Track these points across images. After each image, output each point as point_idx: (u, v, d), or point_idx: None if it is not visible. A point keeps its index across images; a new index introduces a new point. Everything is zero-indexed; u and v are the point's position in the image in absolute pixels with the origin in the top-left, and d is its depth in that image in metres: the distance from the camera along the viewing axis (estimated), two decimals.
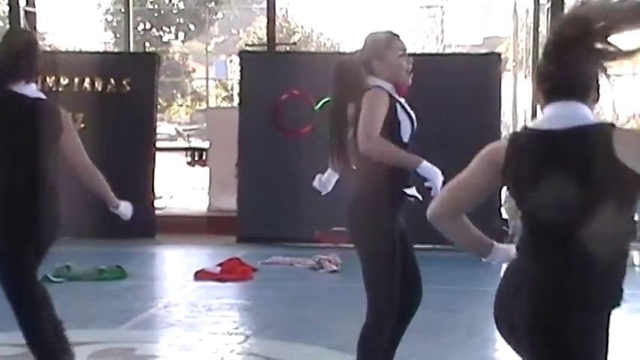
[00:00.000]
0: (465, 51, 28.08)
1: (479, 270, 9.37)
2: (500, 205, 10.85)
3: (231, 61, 35.08)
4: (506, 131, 12.90)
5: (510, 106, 17.47)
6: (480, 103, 10.67)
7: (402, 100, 4.02)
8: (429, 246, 10.58)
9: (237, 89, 17.09)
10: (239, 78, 11.79)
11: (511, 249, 3.04)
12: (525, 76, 18.55)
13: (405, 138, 3.94)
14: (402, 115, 3.98)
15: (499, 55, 12.14)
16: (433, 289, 8.12)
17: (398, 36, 4.21)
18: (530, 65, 14.63)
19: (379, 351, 3.93)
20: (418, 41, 27.12)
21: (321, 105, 10.86)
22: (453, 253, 10.23)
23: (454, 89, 10.63)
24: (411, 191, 4.00)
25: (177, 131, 31.30)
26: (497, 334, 6.14)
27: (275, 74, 11.00)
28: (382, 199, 3.83)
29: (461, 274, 8.86)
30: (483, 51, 23.31)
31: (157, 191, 11.72)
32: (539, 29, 13.48)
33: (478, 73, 10.87)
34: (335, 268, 8.79)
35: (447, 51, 29.34)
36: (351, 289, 8.17)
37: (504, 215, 11.00)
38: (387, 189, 3.87)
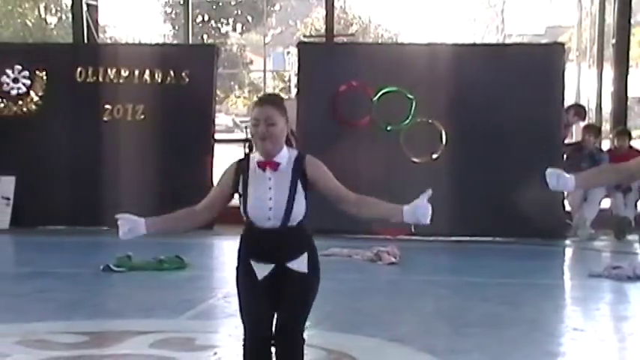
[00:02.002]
0: (526, 41, 27.65)
1: (541, 263, 9.28)
2: (564, 198, 10.68)
3: (288, 52, 35.10)
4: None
5: (574, 98, 17.15)
6: (542, 95, 10.50)
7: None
8: (489, 238, 10.54)
9: (294, 81, 17.09)
10: (297, 69, 11.79)
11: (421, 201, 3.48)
12: (589, 67, 18.18)
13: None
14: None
15: (562, 44, 11.92)
16: (494, 283, 8.08)
17: (259, 100, 3.74)
18: (595, 55, 14.32)
19: None
20: (478, 31, 26.79)
21: (380, 96, 10.82)
22: (514, 245, 10.19)
23: (515, 80, 10.49)
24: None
25: (235, 123, 31.45)
26: (561, 327, 6.03)
27: (333, 66, 10.97)
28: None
29: (522, 267, 8.74)
30: (546, 41, 22.93)
31: (215, 182, 11.77)
32: (605, 18, 13.22)
33: (540, 63, 10.69)
34: (394, 260, 8.74)
35: (508, 41, 28.90)
36: (410, 282, 8.14)
37: (567, 208, 10.82)
38: None
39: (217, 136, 12.09)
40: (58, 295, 7.05)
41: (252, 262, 3.69)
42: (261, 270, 3.68)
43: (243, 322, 3.71)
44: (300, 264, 3.67)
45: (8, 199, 11.21)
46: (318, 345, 5.42)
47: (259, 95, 3.93)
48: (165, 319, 6.23)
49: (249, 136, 3.74)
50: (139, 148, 11.27)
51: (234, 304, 6.91)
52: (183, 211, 3.87)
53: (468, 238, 10.34)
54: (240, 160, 3.74)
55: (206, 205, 3.85)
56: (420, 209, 3.59)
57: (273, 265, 3.66)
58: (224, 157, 13.98)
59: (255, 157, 3.69)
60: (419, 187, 12.23)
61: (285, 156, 3.68)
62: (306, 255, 3.69)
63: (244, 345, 3.70)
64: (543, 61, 10.74)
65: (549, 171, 3.91)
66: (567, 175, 3.88)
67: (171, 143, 11.22)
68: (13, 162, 11.18)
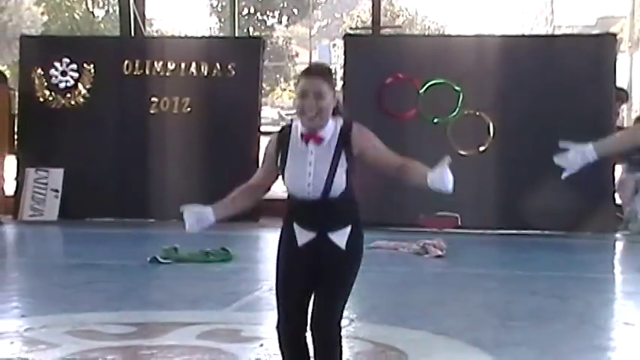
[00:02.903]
0: (576, 32, 27.27)
1: (590, 256, 9.16)
2: (614, 191, 10.52)
3: (334, 45, 35.08)
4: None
5: (626, 89, 16.89)
6: (593, 87, 10.34)
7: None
8: (538, 232, 10.42)
9: (340, 73, 17.06)
10: (343, 62, 11.74)
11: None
12: None
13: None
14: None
15: (614, 35, 11.72)
16: (542, 276, 8.00)
17: (307, 71, 3.57)
18: None
19: None
20: (526, 23, 26.49)
21: (426, 88, 10.74)
22: (563, 239, 10.07)
23: (565, 72, 10.33)
24: None
25: (280, 115, 31.56)
26: (610, 321, 5.94)
27: (379, 58, 10.92)
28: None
29: (571, 260, 8.64)
30: (596, 32, 22.58)
31: (261, 158, 11.79)
32: None
33: (591, 55, 10.52)
34: (440, 253, 8.68)
35: (557, 32, 28.53)
36: (457, 274, 8.09)
37: (618, 201, 10.66)
38: None
39: (263, 128, 12.10)
40: (106, 286, 7.12)
41: (295, 226, 3.53)
42: (303, 236, 3.51)
43: (278, 305, 3.57)
44: (340, 237, 3.49)
45: (57, 191, 11.34)
46: (364, 337, 5.40)
47: (306, 66, 3.72)
48: (211, 311, 6.25)
49: (295, 109, 3.56)
50: (185, 141, 11.34)
51: None
52: (242, 189, 3.73)
53: (515, 232, 10.24)
54: (281, 131, 3.58)
55: (258, 183, 3.71)
56: (445, 176, 3.40)
57: (314, 234, 3.49)
58: None
59: (299, 127, 3.51)
60: (466, 180, 12.24)
61: (331, 129, 3.49)
62: (349, 229, 3.50)
63: (278, 329, 3.58)
64: (594, 52, 10.57)
65: (563, 145, 3.68)
66: (585, 146, 3.65)
67: (218, 136, 11.26)
68: (61, 154, 11.31)
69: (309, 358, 3.58)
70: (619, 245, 9.93)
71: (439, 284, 7.60)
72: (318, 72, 3.52)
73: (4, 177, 11.62)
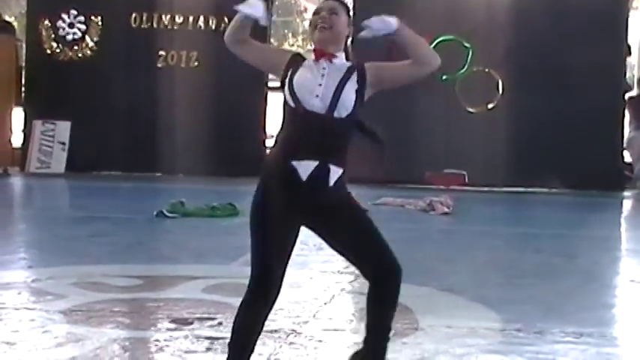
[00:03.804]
0: None
1: (597, 214, 9.14)
2: (623, 150, 10.48)
3: None
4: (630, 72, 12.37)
5: (637, 46, 16.70)
6: (604, 44, 10.24)
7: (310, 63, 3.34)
8: (545, 190, 10.40)
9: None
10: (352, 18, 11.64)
11: None
12: None
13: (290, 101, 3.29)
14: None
15: None
16: (549, 234, 7.99)
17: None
18: None
19: None
20: None
21: (436, 45, 10.64)
22: (570, 197, 10.05)
23: (576, 28, 10.26)
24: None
25: None
26: (617, 279, 5.93)
27: (388, 11, 10.79)
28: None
29: (578, 218, 8.63)
30: None
31: (268, 130, 11.78)
32: None
33: (603, 11, 10.44)
34: (447, 210, 8.67)
35: None
36: (463, 232, 8.08)
37: (627, 159, 10.62)
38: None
39: (270, 84, 12.04)
40: (113, 239, 7.14)
41: (294, 163, 3.22)
42: (304, 168, 3.21)
43: (256, 264, 3.25)
44: (334, 173, 3.25)
45: (64, 143, 11.35)
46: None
47: None
48: (217, 265, 6.26)
49: (309, 30, 3.42)
50: (192, 95, 11.30)
51: None
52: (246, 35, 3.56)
53: (523, 189, 10.22)
54: (298, 53, 3.43)
55: (254, 45, 3.53)
56: (384, 19, 3.38)
57: (317, 163, 3.21)
58: (277, 106, 14.01)
59: (311, 56, 3.36)
60: (474, 137, 12.09)
61: (343, 58, 3.36)
62: (340, 171, 3.27)
63: (248, 298, 3.28)
64: (606, 8, 10.46)
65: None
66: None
67: (225, 90, 11.22)
68: (68, 107, 11.30)
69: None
70: (626, 203, 9.91)
71: (445, 241, 7.60)
72: None
73: (11, 129, 11.62)
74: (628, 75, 12.36)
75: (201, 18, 11.47)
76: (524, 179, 10.25)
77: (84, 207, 9.00)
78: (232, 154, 11.07)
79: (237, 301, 5.10)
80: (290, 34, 36.80)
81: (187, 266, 6.13)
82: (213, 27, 11.46)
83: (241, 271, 6.09)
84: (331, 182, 3.27)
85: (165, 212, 8.10)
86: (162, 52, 11.45)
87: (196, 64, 11.44)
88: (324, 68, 3.32)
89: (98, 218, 8.12)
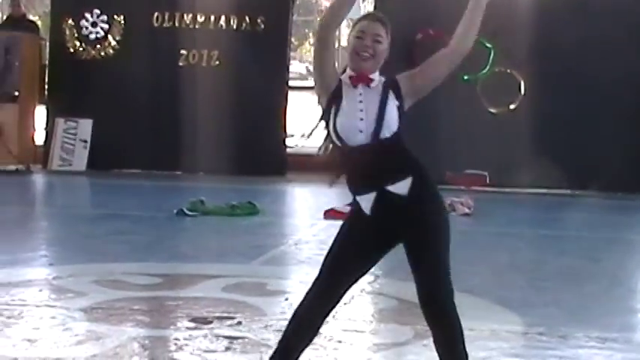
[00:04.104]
0: None
1: (624, 217, 9.04)
2: None
3: (363, 0, 34.69)
4: None
5: None
6: (630, 44, 10.15)
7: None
8: (569, 191, 10.31)
9: None
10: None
11: None
12: None
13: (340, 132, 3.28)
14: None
15: None
16: (574, 236, 7.89)
17: (367, 15, 3.43)
18: None
19: None
20: None
21: None
22: (594, 199, 9.95)
23: (600, 30, 10.15)
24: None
25: (309, 70, 31.31)
26: None
27: (410, 13, 10.76)
28: None
29: (603, 221, 8.52)
30: None
31: (289, 129, 11.77)
32: None
33: (627, 12, 10.33)
34: (467, 211, 8.62)
35: None
36: (484, 233, 8.02)
37: None
38: None
39: (291, 83, 12.03)
40: (133, 237, 7.15)
41: (358, 198, 3.27)
42: (366, 201, 3.25)
43: (317, 280, 3.31)
44: (401, 188, 3.21)
45: (85, 141, 11.39)
46: (389, 294, 5.39)
47: (365, 13, 3.58)
48: (237, 264, 6.26)
49: (348, 50, 3.34)
50: (214, 94, 11.32)
51: (305, 250, 6.93)
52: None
53: (545, 191, 10.15)
54: (340, 80, 3.35)
55: (333, 49, 3.46)
56: None
57: (375, 193, 3.22)
58: (297, 105, 14.00)
59: (347, 74, 3.33)
60: (496, 138, 12.01)
61: (377, 77, 3.31)
62: (409, 180, 3.22)
63: (298, 310, 3.31)
64: (630, 9, 10.37)
65: None
66: None
67: (246, 90, 11.22)
68: (90, 105, 11.34)
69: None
70: None
71: (466, 243, 7.52)
72: (377, 18, 3.39)
73: (34, 126, 11.68)
74: None
75: (223, 17, 11.49)
76: (547, 180, 10.17)
77: (104, 205, 9.03)
78: (253, 153, 11.08)
79: (256, 301, 5.12)
80: (311, 34, 36.80)
81: (207, 265, 6.14)
82: (235, 27, 11.47)
83: (260, 271, 6.11)
84: (404, 193, 3.23)
85: (185, 210, 8.11)
86: (183, 51, 11.47)
87: (217, 63, 11.46)
88: (360, 94, 3.30)
89: (119, 216, 8.14)
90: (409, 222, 3.26)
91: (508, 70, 10.44)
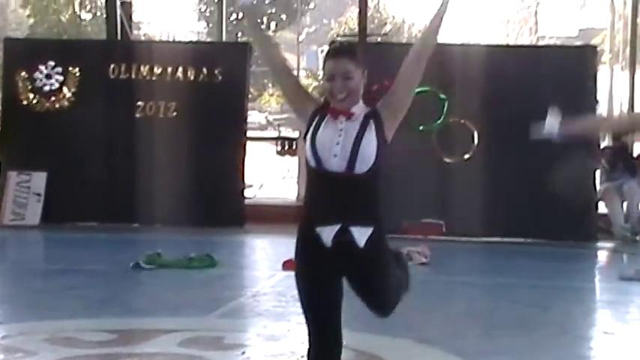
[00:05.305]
0: (559, 43, 27.55)
1: (572, 265, 9.17)
2: (597, 200, 10.55)
3: (322, 51, 35.10)
4: None
5: (606, 100, 17.03)
6: (575, 97, 10.37)
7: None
8: (522, 240, 10.43)
9: None
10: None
11: None
12: (622, 69, 18.02)
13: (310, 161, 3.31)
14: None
15: (595, 47, 11.86)
16: (524, 285, 8.00)
17: (333, 51, 3.43)
18: (628, 57, 14.18)
19: None
20: (511, 33, 26.69)
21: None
22: (545, 247, 10.07)
23: (548, 82, 10.36)
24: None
25: (268, 120, 31.45)
26: (591, 330, 5.95)
27: (366, 65, 10.89)
28: None
29: (553, 269, 8.66)
30: (579, 43, 22.74)
31: (247, 180, 11.78)
32: (638, 21, 13.06)
33: (573, 66, 10.59)
34: (424, 260, 8.67)
35: (542, 42, 28.77)
36: (440, 282, 8.07)
37: (602, 209, 10.68)
38: None
39: (250, 133, 12.07)
40: (88, 292, 7.07)
41: (318, 229, 3.27)
42: (327, 234, 3.25)
43: (307, 324, 3.38)
44: (362, 234, 3.26)
45: (39, 194, 11.27)
46: (347, 345, 5.35)
47: (332, 46, 3.52)
48: (193, 318, 6.22)
49: (324, 90, 3.38)
50: (171, 145, 11.29)
51: (263, 302, 6.91)
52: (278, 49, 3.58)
53: (500, 239, 10.26)
54: (323, 104, 3.39)
55: (289, 67, 3.49)
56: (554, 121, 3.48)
57: (339, 227, 3.23)
58: (257, 155, 14.02)
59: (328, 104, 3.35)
60: (451, 187, 12.16)
61: (360, 108, 3.34)
62: (371, 230, 3.28)
63: (310, 354, 3.39)
64: (576, 63, 10.66)
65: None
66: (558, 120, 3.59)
67: (204, 141, 11.23)
68: (45, 158, 11.25)
69: None
70: (600, 254, 9.98)
71: (423, 292, 7.55)
72: (343, 51, 3.36)
73: None
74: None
75: (180, 69, 11.51)
76: (501, 229, 10.29)
77: (58, 259, 8.91)
78: (211, 205, 11.05)
79: (213, 355, 5.08)
80: (270, 84, 36.99)
81: (163, 319, 6.08)
82: (192, 78, 11.50)
83: (218, 324, 6.07)
84: (360, 244, 3.28)
85: (141, 264, 8.04)
86: (140, 103, 11.46)
87: (175, 114, 11.46)
88: (341, 123, 3.32)
89: (73, 271, 8.04)
90: (359, 265, 3.33)
91: (462, 121, 10.59)
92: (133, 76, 11.52)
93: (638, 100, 12.89)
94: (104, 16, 14.81)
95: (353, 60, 3.35)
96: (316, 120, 3.34)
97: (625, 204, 10.52)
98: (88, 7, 34.61)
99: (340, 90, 3.30)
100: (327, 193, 3.27)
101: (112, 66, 11.51)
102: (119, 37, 12.96)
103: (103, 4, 15.26)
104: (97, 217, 11.30)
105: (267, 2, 35.44)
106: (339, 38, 21.24)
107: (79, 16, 34.19)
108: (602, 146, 11.16)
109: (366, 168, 3.27)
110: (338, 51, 3.38)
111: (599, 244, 10.23)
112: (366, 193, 3.31)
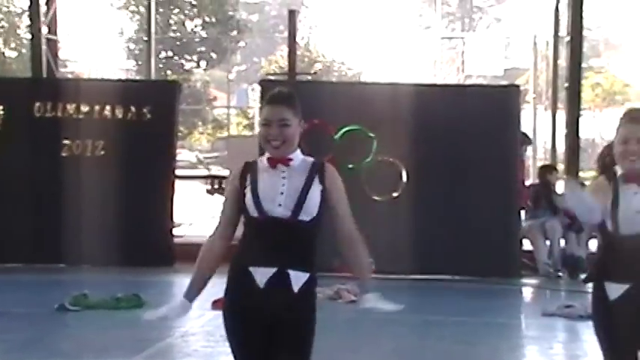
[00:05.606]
0: (485, 82, 28.17)
1: (497, 301, 9.32)
2: (521, 237, 10.76)
3: (252, 89, 35.21)
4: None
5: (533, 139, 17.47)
6: (500, 136, 10.63)
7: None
8: (448, 277, 10.55)
9: (258, 117, 17.09)
10: (260, 106, 11.80)
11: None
12: (545, 109, 18.51)
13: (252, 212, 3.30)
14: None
15: (518, 87, 12.20)
16: (451, 321, 8.10)
17: (270, 98, 3.43)
18: (550, 97, 14.59)
19: None
20: (439, 72, 27.21)
21: (341, 135, 10.84)
22: (472, 284, 10.21)
23: (474, 121, 10.59)
24: None
25: (198, 159, 31.35)
26: None
27: (302, 103, 10.96)
28: None
29: (480, 306, 8.77)
30: (504, 83, 23.29)
31: (176, 219, 11.69)
32: (559, 62, 13.48)
33: (497, 105, 10.84)
34: (353, 298, 8.70)
35: (468, 81, 29.40)
36: (369, 320, 8.08)
37: (525, 246, 10.89)
38: None
39: (180, 172, 12.02)
40: (11, 336, 6.90)
41: (252, 269, 3.27)
42: (261, 275, 3.26)
43: None
44: (298, 279, 3.30)
45: None
46: None
47: (271, 92, 3.48)
48: (120, 359, 6.12)
49: (259, 138, 3.36)
50: (99, 184, 11.16)
51: (191, 342, 6.85)
52: (206, 253, 3.45)
53: (427, 277, 10.36)
54: (248, 162, 3.38)
55: (225, 224, 3.40)
56: (380, 303, 3.51)
57: (275, 270, 3.26)
58: (187, 194, 13.94)
59: (265, 156, 3.34)
60: (380, 225, 12.19)
61: (299, 156, 3.33)
62: (307, 277, 3.33)
63: None
64: (500, 102, 10.91)
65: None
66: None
67: (132, 179, 11.13)
68: None
69: None
70: (525, 290, 10.18)
71: (351, 330, 7.61)
72: (281, 99, 3.37)
73: None
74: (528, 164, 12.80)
75: (108, 107, 11.43)
76: (428, 267, 10.41)
77: None
78: (139, 244, 10.93)
79: None
80: (200, 122, 36.90)
81: None
82: (120, 116, 11.42)
83: None
84: (295, 288, 3.31)
85: (67, 305, 7.90)
86: (67, 141, 11.33)
87: (102, 152, 11.35)
88: (283, 171, 3.32)
89: None
90: (289, 310, 3.35)
91: (390, 159, 10.72)
92: (59, 114, 11.39)
93: (560, 139, 13.26)
94: (29, 53, 14.66)
95: (291, 108, 3.37)
96: (251, 173, 3.34)
97: (548, 242, 10.76)
98: (13, 45, 34.11)
99: (275, 137, 3.31)
100: (268, 237, 3.29)
101: (37, 104, 11.37)
102: (45, 75, 12.83)
103: (28, 42, 15.10)
104: (23, 258, 11.07)
105: (197, 40, 35.47)
106: (269, 77, 21.34)
107: (3, 54, 33.67)
108: (527, 184, 11.43)
109: (309, 218, 3.32)
110: (276, 98, 3.40)
111: (524, 280, 10.42)
112: (306, 241, 3.37)
